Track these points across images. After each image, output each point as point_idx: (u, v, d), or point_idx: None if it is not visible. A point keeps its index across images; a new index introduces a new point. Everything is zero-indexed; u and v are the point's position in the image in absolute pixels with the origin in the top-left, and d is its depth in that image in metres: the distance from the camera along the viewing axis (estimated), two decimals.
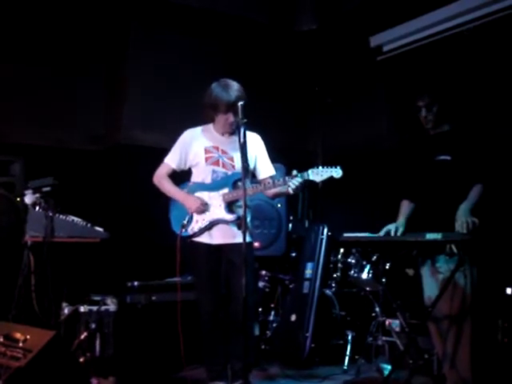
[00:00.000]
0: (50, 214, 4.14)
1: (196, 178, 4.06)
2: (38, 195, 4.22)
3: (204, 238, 3.97)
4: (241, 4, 6.19)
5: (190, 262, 4.04)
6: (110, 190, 5.69)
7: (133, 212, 5.61)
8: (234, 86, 3.88)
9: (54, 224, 4.13)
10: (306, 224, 6.26)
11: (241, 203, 3.63)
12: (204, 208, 3.92)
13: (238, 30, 6.34)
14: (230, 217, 3.90)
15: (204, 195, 3.97)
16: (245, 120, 3.58)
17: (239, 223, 3.82)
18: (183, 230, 3.96)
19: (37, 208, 4.19)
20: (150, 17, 5.97)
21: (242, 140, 3.57)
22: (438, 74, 5.10)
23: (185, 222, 3.96)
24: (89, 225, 4.27)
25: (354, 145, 6.28)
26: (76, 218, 4.26)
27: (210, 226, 3.94)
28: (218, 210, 3.92)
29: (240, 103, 3.61)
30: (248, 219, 3.95)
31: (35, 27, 5.54)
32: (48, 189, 4.23)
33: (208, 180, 3.99)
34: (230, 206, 3.92)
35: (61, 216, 4.21)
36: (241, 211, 3.60)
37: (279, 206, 5.48)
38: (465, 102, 4.69)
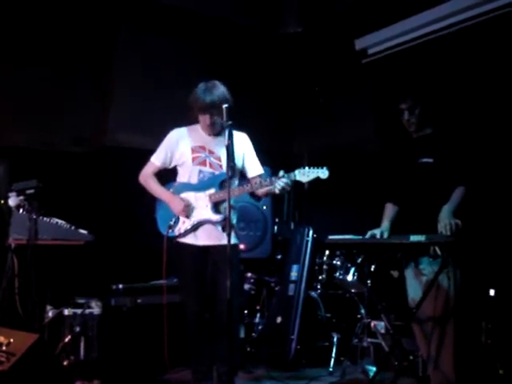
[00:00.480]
0: (34, 217, 4.12)
1: (182, 177, 4.05)
2: (21, 197, 4.20)
3: (190, 239, 3.96)
4: (228, 7, 6.19)
5: (175, 263, 4.03)
6: (94, 193, 5.67)
7: (118, 214, 5.59)
8: (217, 90, 3.87)
9: (37, 226, 4.10)
10: (292, 226, 6.27)
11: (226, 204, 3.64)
12: (188, 210, 3.91)
13: (225, 33, 6.34)
14: (216, 217, 3.88)
15: (190, 195, 3.95)
16: (230, 122, 3.61)
17: (224, 224, 3.80)
18: (170, 231, 3.95)
19: (21, 210, 4.17)
20: (137, 20, 5.95)
21: (227, 142, 3.60)
22: (421, 76, 5.13)
23: (171, 222, 3.94)
24: (73, 227, 4.25)
25: (340, 147, 6.30)
26: (60, 221, 4.24)
27: (196, 227, 3.93)
28: (204, 211, 3.90)
29: (224, 105, 3.63)
30: (234, 221, 3.98)
31: (19, 30, 5.50)
32: (32, 191, 4.21)
33: (194, 180, 3.97)
34: (216, 207, 3.91)
35: (45, 218, 4.19)
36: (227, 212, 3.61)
37: (264, 208, 5.48)
38: (447, 105, 4.72)
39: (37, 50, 5.59)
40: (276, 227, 5.72)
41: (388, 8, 5.64)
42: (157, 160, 4.07)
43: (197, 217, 3.92)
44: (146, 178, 4.08)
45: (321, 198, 6.01)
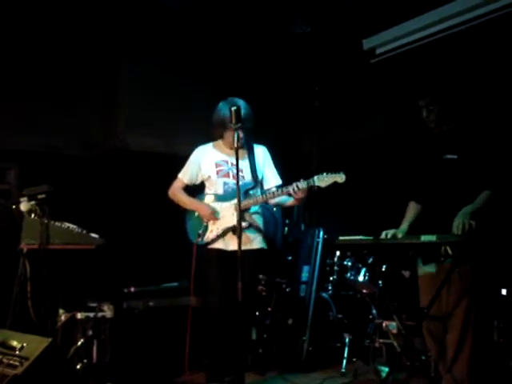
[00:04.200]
0: (46, 221, 4.13)
1: (209, 190, 4.30)
2: (33, 202, 4.20)
3: (219, 245, 4.15)
4: (233, 7, 6.19)
5: (203, 267, 4.18)
6: (105, 196, 5.68)
7: (128, 218, 5.60)
8: (242, 105, 4.03)
9: (49, 231, 4.11)
10: (302, 227, 6.26)
11: (252, 210, 4.16)
12: (214, 214, 4.12)
13: (232, 34, 6.35)
14: (243, 224, 4.01)
15: (217, 206, 4.16)
16: (239, 125, 3.73)
17: (256, 227, 4.17)
18: (199, 240, 4.16)
19: (32, 215, 4.18)
20: (147, 25, 5.98)
21: (235, 145, 3.73)
22: (432, 75, 5.10)
23: (200, 231, 4.16)
24: (84, 231, 4.26)
25: (349, 147, 6.29)
26: (71, 225, 4.25)
27: (223, 235, 4.12)
28: (230, 219, 4.07)
29: (233, 108, 3.69)
30: (261, 225, 4.23)
31: (30, 38, 5.53)
32: (43, 196, 4.22)
33: (220, 191, 4.21)
34: (242, 214, 4.02)
35: (56, 223, 4.20)
36: (253, 218, 4.15)
37: (274, 209, 5.48)
38: (463, 102, 4.68)
39: (47, 55, 5.63)
40: (286, 228, 5.72)
41: (395, 7, 5.63)
42: (184, 177, 4.34)
43: (224, 225, 4.12)
44: (175, 192, 4.33)
45: (331, 198, 6.00)
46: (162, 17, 6.02)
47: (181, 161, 4.46)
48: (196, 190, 4.37)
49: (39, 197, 4.21)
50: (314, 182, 3.88)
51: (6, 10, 5.40)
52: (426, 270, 3.69)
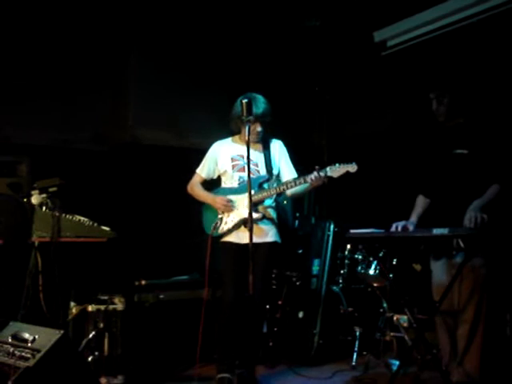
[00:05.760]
0: (57, 214, 4.16)
1: (224, 184, 4.38)
2: (44, 195, 4.24)
3: (233, 238, 4.20)
4: (242, 1, 6.17)
5: (218, 260, 4.23)
6: (116, 189, 5.70)
7: (139, 211, 5.62)
8: (261, 99, 4.17)
9: (60, 224, 4.15)
10: (313, 220, 6.25)
11: (267, 203, 4.21)
12: (230, 204, 4.19)
13: (242, 28, 6.32)
14: (256, 216, 4.08)
15: (232, 198, 4.23)
16: (250, 117, 3.73)
17: (270, 220, 4.22)
18: (214, 231, 4.24)
19: (43, 208, 4.21)
20: (156, 19, 5.97)
21: (246, 137, 3.72)
22: (444, 67, 5.07)
23: (215, 224, 4.24)
24: (95, 224, 4.29)
25: (359, 140, 6.27)
26: (83, 218, 4.28)
27: (237, 227, 4.17)
28: (244, 211, 4.09)
29: (244, 101, 3.71)
30: (275, 218, 4.27)
31: (44, 36, 5.55)
32: (54, 189, 4.25)
33: (235, 185, 4.29)
34: (256, 206, 4.15)
35: (67, 216, 4.23)
36: (268, 211, 4.20)
37: (285, 202, 5.47)
38: (474, 96, 4.64)
39: (58, 49, 5.63)
40: (297, 222, 5.71)
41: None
42: (202, 172, 4.42)
43: (238, 217, 4.18)
44: (193, 186, 4.43)
45: (341, 191, 5.98)
46: (171, 9, 6.00)
47: (192, 154, 4.48)
48: (215, 184, 4.43)
49: (50, 190, 4.24)
50: (326, 172, 3.93)
51: (17, 5, 5.41)
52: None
